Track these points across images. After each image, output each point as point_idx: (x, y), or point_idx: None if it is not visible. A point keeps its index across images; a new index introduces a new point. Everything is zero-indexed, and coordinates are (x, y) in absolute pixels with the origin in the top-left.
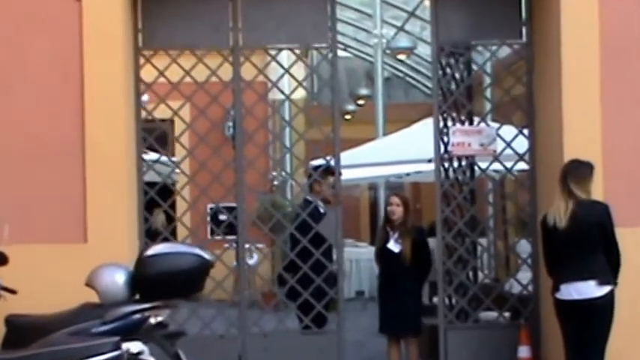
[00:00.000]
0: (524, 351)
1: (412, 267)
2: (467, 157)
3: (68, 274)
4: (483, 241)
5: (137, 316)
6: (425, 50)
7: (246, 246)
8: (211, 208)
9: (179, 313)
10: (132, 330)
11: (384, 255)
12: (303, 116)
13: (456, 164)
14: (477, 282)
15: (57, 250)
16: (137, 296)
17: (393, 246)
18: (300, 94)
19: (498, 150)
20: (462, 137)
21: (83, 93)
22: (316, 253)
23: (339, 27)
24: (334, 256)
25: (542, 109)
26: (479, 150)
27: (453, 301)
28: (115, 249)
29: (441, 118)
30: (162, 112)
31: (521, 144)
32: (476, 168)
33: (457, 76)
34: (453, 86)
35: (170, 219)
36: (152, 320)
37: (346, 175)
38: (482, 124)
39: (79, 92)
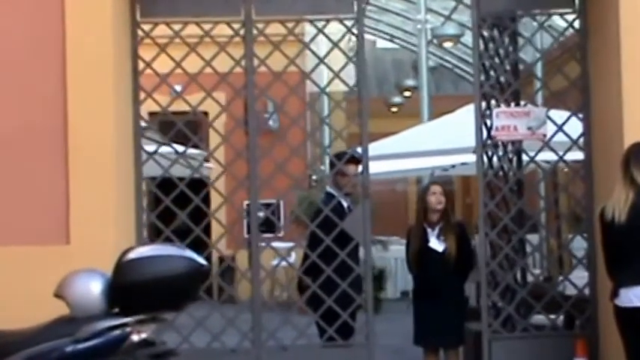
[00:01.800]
0: None
1: (455, 267)
2: (513, 143)
3: (48, 280)
4: (534, 238)
5: (116, 332)
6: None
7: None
8: (247, 205)
9: (184, 324)
10: (109, 349)
11: (424, 256)
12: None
13: (500, 152)
14: (526, 285)
15: (35, 253)
16: (117, 309)
17: (436, 244)
18: (339, 85)
19: (549, 135)
20: (507, 120)
21: (65, 76)
22: (341, 254)
23: (385, 17)
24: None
25: (598, 89)
26: (526, 134)
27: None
28: (102, 252)
29: (483, 99)
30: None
31: (575, 129)
32: (523, 156)
33: (501, 51)
34: (497, 62)
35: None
36: (134, 337)
37: (383, 167)
38: (530, 105)
39: (61, 75)
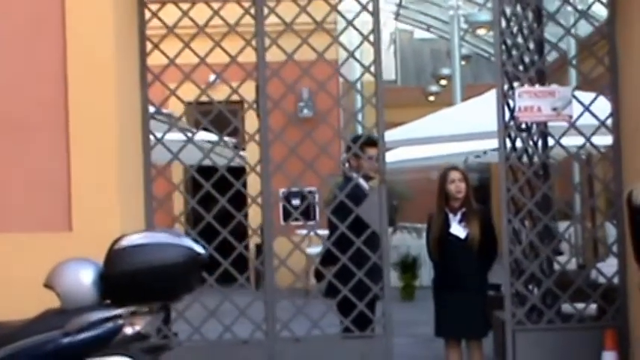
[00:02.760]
0: (609, 357)
1: (478, 254)
2: (537, 125)
3: (50, 269)
4: (563, 225)
5: (108, 325)
6: None
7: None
8: (283, 192)
9: (194, 315)
10: (101, 343)
11: (445, 243)
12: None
13: (524, 134)
14: (553, 273)
15: (36, 240)
16: (109, 300)
17: (458, 230)
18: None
19: (575, 116)
20: (531, 100)
21: (65, 52)
22: (357, 241)
23: (422, 7)
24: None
25: (627, 68)
26: (551, 115)
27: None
28: (106, 240)
29: (505, 79)
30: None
31: (604, 111)
32: (549, 139)
33: (525, 26)
34: (520, 40)
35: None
36: (127, 330)
37: (412, 153)
38: (555, 85)
39: (61, 51)
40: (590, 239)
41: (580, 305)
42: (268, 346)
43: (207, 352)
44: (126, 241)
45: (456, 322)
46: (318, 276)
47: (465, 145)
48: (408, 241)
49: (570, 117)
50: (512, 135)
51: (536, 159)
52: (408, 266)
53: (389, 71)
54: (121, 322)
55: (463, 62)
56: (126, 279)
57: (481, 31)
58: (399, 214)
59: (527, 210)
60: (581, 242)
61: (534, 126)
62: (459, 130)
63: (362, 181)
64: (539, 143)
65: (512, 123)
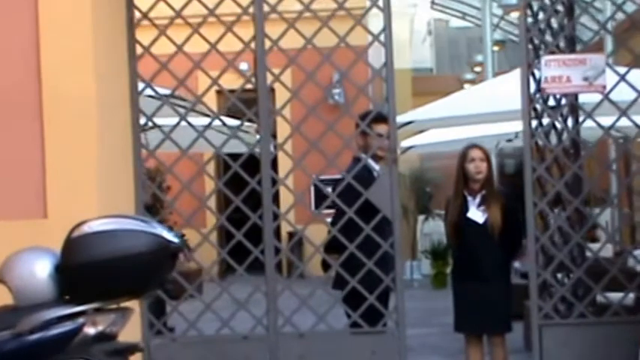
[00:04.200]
0: None
1: (500, 242)
2: (566, 97)
3: None
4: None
5: (66, 324)
6: None
7: None
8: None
9: (188, 309)
10: (58, 345)
11: (462, 228)
12: (410, 86)
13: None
14: (584, 262)
15: (10, 227)
16: (68, 296)
17: (476, 215)
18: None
19: (609, 86)
20: (559, 70)
21: (38, 24)
22: (366, 228)
23: None
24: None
25: None
26: (582, 86)
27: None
28: None
29: (531, 46)
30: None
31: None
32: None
33: None
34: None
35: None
36: (89, 330)
37: (439, 136)
38: (587, 54)
39: (33, 23)
40: (628, 224)
41: (615, 295)
42: (270, 341)
43: (204, 348)
44: (86, 228)
45: (476, 316)
46: (325, 266)
47: (496, 127)
48: (441, 228)
49: (604, 87)
50: (539, 109)
51: (565, 135)
52: (440, 254)
53: (425, 60)
54: (81, 320)
55: (496, 48)
56: (86, 271)
57: (514, 14)
58: (433, 202)
59: (555, 192)
60: (617, 227)
61: (563, 99)
62: (487, 109)
63: (371, 162)
64: (569, 118)
65: (538, 95)
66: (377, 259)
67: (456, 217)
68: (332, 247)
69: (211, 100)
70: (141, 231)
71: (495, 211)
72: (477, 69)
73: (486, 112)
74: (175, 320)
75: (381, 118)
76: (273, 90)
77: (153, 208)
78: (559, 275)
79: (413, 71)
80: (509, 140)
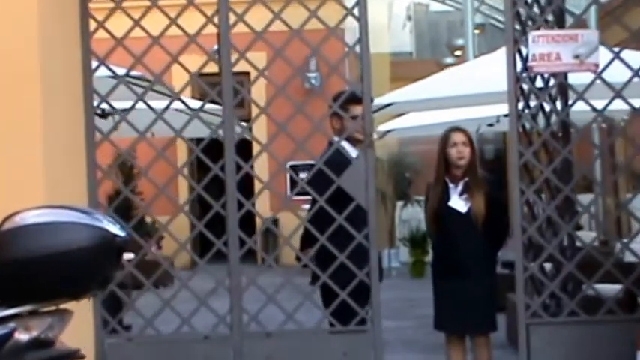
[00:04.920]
0: None
1: (483, 233)
2: (555, 76)
3: None
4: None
5: None
6: None
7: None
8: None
9: (145, 305)
10: None
11: (442, 218)
12: (389, 71)
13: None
14: (575, 254)
15: None
16: None
17: (458, 204)
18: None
19: (602, 64)
20: (548, 46)
21: None
22: (338, 218)
23: None
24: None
25: None
26: (572, 64)
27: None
28: None
29: (517, 21)
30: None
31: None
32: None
33: None
34: None
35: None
36: (22, 336)
37: (420, 119)
38: (579, 29)
39: None
40: (613, 212)
41: (604, 288)
42: (233, 341)
43: (162, 348)
44: (19, 220)
45: (458, 315)
46: (300, 259)
47: (478, 111)
48: (420, 214)
49: (596, 66)
50: (526, 89)
51: (554, 118)
52: (419, 241)
53: (404, 45)
54: (12, 325)
55: (477, 31)
56: (18, 269)
57: None
58: (412, 188)
59: (543, 179)
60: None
61: (552, 78)
62: (469, 90)
63: (347, 145)
64: (558, 99)
65: (525, 75)
66: (352, 252)
67: (437, 205)
68: (308, 238)
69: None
70: (81, 223)
71: (479, 200)
72: (458, 53)
73: (468, 93)
74: (132, 318)
75: (355, 99)
76: (248, 74)
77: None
78: (547, 266)
79: (392, 56)
80: (491, 125)
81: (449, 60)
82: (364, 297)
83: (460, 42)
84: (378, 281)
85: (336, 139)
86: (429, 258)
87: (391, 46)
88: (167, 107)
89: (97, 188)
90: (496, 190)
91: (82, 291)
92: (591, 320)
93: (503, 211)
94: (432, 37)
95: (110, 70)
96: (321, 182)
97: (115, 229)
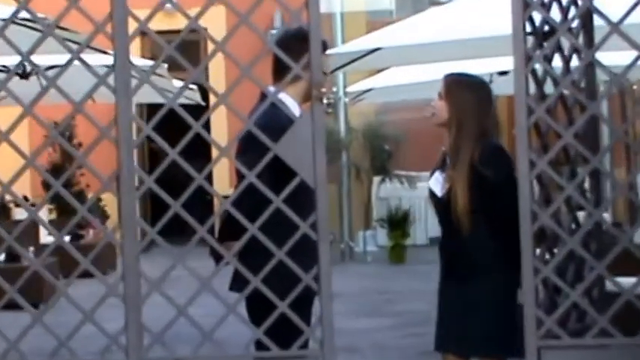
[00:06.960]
0: None
1: (477, 223)
2: (576, 4)
3: None
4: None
5: None
6: None
7: None
8: None
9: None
10: None
11: (434, 205)
12: (365, 32)
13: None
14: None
15: None
16: None
17: (437, 184)
18: (360, 4)
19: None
20: None
21: None
22: (276, 200)
23: None
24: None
25: None
26: None
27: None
28: None
29: None
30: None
31: None
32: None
33: None
34: None
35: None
36: None
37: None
38: None
39: None
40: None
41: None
42: None
43: None
44: None
45: (451, 330)
46: (216, 256)
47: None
48: (400, 191)
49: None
50: (538, 22)
51: (575, 61)
52: (398, 222)
53: (383, 2)
54: None
55: None
56: None
57: None
58: (391, 161)
59: (562, 146)
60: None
61: (572, 7)
62: (462, 35)
63: (289, 100)
64: (581, 34)
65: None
66: (294, 247)
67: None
68: (231, 226)
69: (135, 44)
70: None
71: (461, 181)
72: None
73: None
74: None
75: (302, 37)
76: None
77: (62, 168)
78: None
79: (369, 14)
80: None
81: None
82: (309, 309)
83: None
84: (330, 287)
85: (271, 89)
86: (410, 241)
87: (368, 3)
88: (113, 67)
89: None
90: (485, 166)
91: None
92: (632, 344)
93: (490, 194)
94: None
95: (32, 14)
96: (250, 150)
97: None
